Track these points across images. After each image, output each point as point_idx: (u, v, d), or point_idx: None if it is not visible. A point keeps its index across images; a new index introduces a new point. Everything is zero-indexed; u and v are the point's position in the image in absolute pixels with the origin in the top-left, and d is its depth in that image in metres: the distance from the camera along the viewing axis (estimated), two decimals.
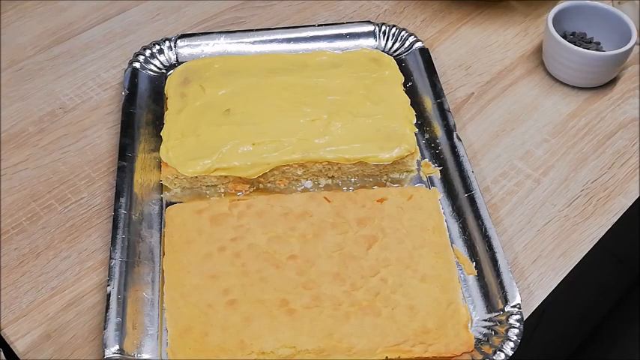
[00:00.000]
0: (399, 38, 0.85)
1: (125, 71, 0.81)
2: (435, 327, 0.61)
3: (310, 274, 0.64)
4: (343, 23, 0.87)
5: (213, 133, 0.74)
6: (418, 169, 0.74)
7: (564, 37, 0.84)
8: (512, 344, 0.59)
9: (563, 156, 0.77)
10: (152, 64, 0.83)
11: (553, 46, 0.83)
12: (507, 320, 0.60)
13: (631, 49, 0.80)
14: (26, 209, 0.72)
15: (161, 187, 0.73)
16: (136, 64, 0.82)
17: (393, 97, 0.79)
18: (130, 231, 0.66)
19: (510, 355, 0.58)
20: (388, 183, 0.74)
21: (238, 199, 0.71)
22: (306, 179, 0.74)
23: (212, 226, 0.68)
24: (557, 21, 0.83)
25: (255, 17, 0.93)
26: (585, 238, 0.70)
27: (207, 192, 0.73)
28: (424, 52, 0.83)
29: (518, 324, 0.60)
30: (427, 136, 0.77)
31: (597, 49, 0.84)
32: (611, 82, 0.85)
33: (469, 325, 0.62)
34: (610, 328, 1.26)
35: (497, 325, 0.61)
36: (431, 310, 0.62)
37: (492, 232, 0.66)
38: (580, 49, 0.80)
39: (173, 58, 0.84)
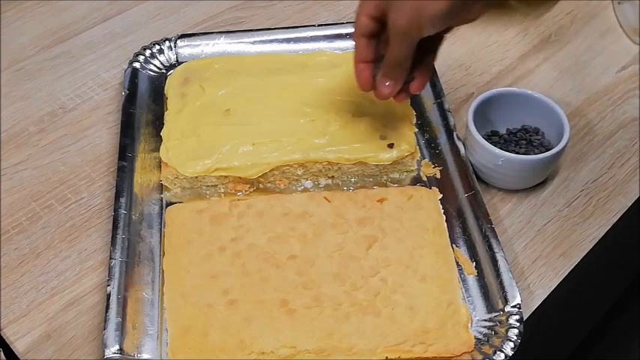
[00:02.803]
0: None
1: (125, 71, 0.81)
2: (435, 327, 0.61)
3: (310, 274, 0.64)
4: (343, 23, 0.87)
5: (213, 133, 0.74)
6: (418, 169, 0.74)
7: (512, 133, 0.75)
8: (512, 344, 0.59)
9: (563, 156, 0.77)
10: (152, 64, 0.83)
11: (472, 144, 0.72)
12: (507, 320, 0.60)
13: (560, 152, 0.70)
14: (26, 209, 0.72)
15: (161, 187, 0.73)
16: (136, 64, 0.82)
17: None
18: (130, 231, 0.66)
19: (510, 355, 0.58)
20: (388, 183, 0.74)
21: (238, 199, 0.71)
22: (306, 179, 0.74)
23: (212, 226, 0.68)
24: (510, 113, 0.74)
25: (255, 17, 0.93)
26: (585, 238, 0.70)
27: (207, 192, 0.73)
28: None
29: (518, 324, 0.60)
30: (427, 136, 0.77)
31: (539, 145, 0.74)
32: (612, 82, 0.85)
33: (469, 325, 0.62)
34: (610, 328, 1.26)
35: (497, 325, 0.61)
36: (431, 310, 0.62)
37: (492, 232, 0.66)
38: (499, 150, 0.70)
39: (173, 58, 0.84)
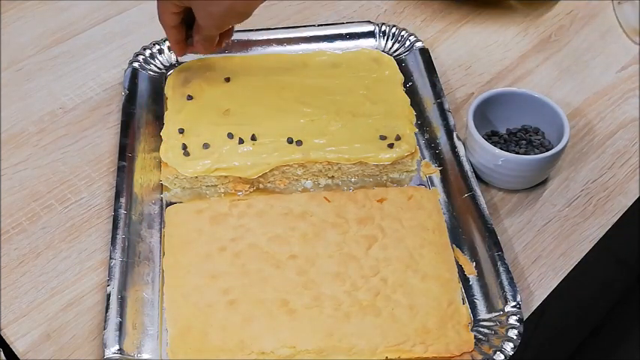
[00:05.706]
0: (399, 38, 0.85)
1: (125, 71, 0.81)
2: (436, 327, 0.61)
3: (310, 274, 0.64)
4: (343, 23, 0.87)
5: (213, 133, 0.74)
6: (418, 169, 0.74)
7: (512, 133, 0.75)
8: (512, 344, 0.59)
9: (563, 156, 0.76)
10: (152, 64, 0.83)
11: (472, 144, 0.72)
12: (507, 320, 0.60)
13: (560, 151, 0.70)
14: (26, 209, 0.72)
15: (161, 187, 0.73)
16: (136, 64, 0.82)
17: (393, 97, 0.79)
18: (130, 231, 0.66)
19: (510, 355, 0.58)
20: (388, 183, 0.74)
21: (238, 199, 0.71)
22: (306, 179, 0.74)
23: (212, 226, 0.68)
24: (509, 113, 0.75)
25: (255, 17, 0.92)
26: (585, 238, 0.70)
27: (207, 192, 0.73)
28: (424, 52, 0.83)
29: (518, 324, 0.60)
30: (427, 136, 0.77)
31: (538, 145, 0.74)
32: (612, 82, 0.85)
33: (469, 325, 0.62)
34: (610, 328, 1.26)
35: (497, 325, 0.61)
36: (431, 310, 0.62)
37: (492, 232, 0.66)
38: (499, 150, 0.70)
39: (173, 58, 0.84)
